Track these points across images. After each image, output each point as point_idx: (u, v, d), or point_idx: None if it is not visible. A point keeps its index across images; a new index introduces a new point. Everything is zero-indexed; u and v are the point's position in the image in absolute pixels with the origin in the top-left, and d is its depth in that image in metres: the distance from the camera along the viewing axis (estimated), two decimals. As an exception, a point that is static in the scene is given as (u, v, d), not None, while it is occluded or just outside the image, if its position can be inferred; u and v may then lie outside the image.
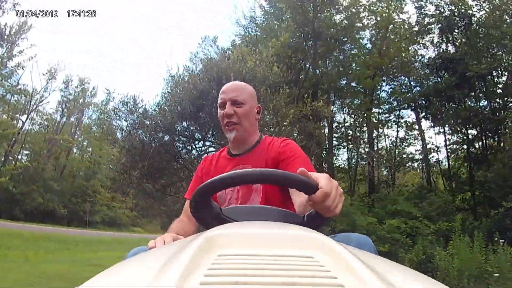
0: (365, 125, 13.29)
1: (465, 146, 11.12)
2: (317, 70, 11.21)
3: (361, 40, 12.79)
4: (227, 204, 1.47)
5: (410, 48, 12.64)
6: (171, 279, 0.38)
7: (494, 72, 10.98)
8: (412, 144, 13.38)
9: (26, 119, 27.82)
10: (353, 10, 11.16)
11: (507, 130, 9.61)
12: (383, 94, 13.69)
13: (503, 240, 6.55)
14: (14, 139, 25.76)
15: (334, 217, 0.91)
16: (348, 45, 12.00)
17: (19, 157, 28.73)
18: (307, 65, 10.59)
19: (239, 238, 0.55)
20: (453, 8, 12.17)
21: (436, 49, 12.32)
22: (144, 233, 35.21)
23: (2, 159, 25.86)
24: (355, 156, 13.51)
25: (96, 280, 0.47)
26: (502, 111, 10.07)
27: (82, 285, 0.44)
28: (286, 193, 1.37)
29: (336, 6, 10.55)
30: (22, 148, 28.52)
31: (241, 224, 0.75)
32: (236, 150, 1.56)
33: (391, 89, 13.32)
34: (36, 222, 23.14)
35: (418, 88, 12.20)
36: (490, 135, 10.26)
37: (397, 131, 13.37)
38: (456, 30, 11.97)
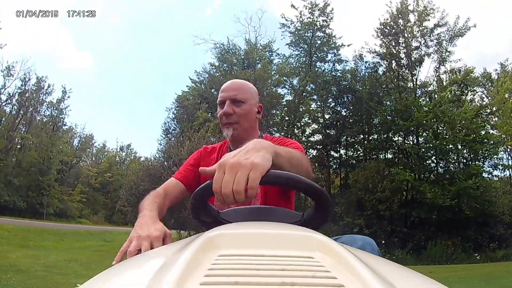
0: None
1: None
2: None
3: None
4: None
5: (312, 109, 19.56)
6: (171, 279, 0.39)
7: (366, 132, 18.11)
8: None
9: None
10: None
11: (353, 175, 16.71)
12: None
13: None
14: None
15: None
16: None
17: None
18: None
19: (239, 238, 0.56)
20: (345, 83, 19.14)
21: (329, 111, 19.30)
22: (91, 224, 39.55)
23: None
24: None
25: (96, 281, 0.50)
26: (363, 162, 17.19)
27: (83, 285, 0.47)
28: (285, 192, 1.46)
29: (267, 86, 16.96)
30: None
31: (241, 224, 0.75)
32: (235, 148, 1.48)
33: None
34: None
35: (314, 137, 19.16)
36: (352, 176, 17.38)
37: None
38: (345, 98, 18.94)
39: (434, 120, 15.57)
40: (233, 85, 1.57)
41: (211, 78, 19.11)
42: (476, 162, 16.10)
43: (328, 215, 0.91)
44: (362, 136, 18.07)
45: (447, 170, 16.45)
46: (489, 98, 22.61)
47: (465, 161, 16.83)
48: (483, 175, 15.71)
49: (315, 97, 20.22)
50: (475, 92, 19.24)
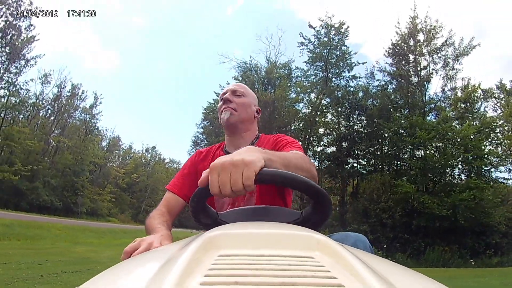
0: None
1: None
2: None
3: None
4: (223, 201, 1.53)
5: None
6: (171, 279, 0.40)
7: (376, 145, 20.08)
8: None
9: (29, 123, 34.34)
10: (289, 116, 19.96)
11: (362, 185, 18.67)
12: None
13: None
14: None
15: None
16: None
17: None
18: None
19: (239, 238, 0.57)
20: (357, 99, 21.07)
21: (343, 124, 21.33)
22: (119, 223, 42.46)
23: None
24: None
25: (97, 280, 0.52)
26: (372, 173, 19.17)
27: (83, 285, 0.48)
28: (281, 192, 1.50)
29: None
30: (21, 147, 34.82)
31: (241, 225, 0.76)
32: (232, 148, 1.60)
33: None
34: (37, 213, 29.89)
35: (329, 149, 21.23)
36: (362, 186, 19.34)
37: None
38: (356, 114, 20.92)
39: (437, 137, 17.33)
40: (234, 84, 1.73)
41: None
42: (475, 176, 17.69)
43: (327, 214, 0.91)
44: (372, 149, 20.05)
45: (448, 183, 18.17)
46: (501, 109, 24.02)
47: (466, 174, 18.54)
48: (483, 187, 17.24)
49: (331, 110, 22.26)
50: (485, 104, 20.68)
